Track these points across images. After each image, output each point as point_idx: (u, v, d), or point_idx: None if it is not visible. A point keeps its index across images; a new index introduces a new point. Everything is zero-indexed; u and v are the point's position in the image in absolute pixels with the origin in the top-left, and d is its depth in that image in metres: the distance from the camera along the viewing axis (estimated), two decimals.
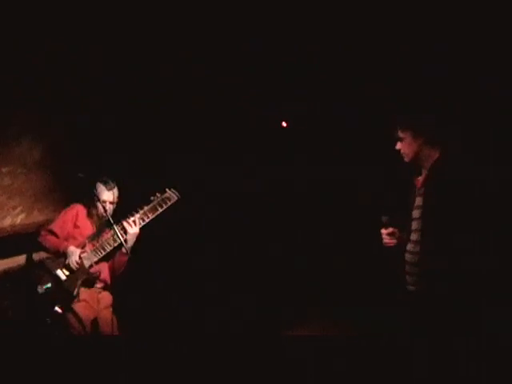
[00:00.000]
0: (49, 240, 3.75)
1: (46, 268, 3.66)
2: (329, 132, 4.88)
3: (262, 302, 4.69)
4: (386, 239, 3.04)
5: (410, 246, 2.91)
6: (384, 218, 3.03)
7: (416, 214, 2.90)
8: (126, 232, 3.66)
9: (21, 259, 4.21)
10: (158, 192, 3.77)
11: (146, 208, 3.72)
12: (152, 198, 3.75)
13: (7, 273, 4.14)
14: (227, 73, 4.47)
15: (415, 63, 3.96)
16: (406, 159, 2.92)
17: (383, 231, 3.05)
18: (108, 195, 3.76)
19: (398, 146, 2.92)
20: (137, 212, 3.71)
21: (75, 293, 3.61)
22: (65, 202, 4.37)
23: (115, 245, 3.68)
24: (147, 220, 3.70)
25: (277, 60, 4.40)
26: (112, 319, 3.65)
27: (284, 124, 5.15)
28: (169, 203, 3.74)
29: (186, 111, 4.70)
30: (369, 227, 4.41)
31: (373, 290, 4.53)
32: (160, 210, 3.72)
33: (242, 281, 4.86)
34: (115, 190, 3.81)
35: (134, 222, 3.67)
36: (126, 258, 3.74)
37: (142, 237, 3.76)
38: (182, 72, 4.39)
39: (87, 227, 3.83)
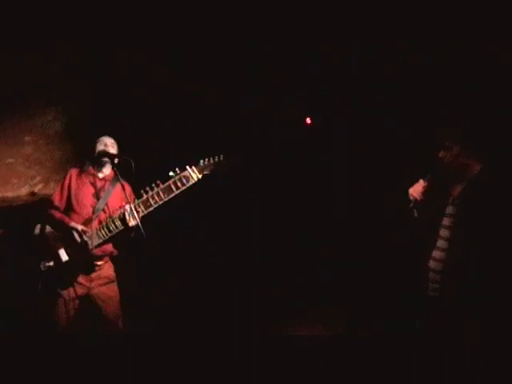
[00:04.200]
0: (51, 214, 3.44)
1: (50, 244, 3.39)
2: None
3: (262, 301, 4.68)
4: (418, 193, 2.90)
5: (435, 253, 2.85)
6: (429, 175, 2.91)
7: (447, 221, 2.83)
8: (132, 217, 3.27)
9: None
10: (178, 168, 3.35)
11: (160, 187, 3.32)
12: (170, 173, 3.34)
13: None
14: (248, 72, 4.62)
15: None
16: (447, 169, 2.84)
17: (421, 182, 2.91)
18: (103, 144, 3.47)
19: (442, 154, 2.83)
20: (151, 190, 3.32)
21: (74, 278, 3.37)
22: None
23: (121, 227, 3.34)
24: (160, 202, 3.31)
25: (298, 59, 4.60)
26: (110, 296, 3.48)
27: (308, 121, 5.17)
28: (187, 184, 3.31)
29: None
30: (373, 227, 4.65)
31: (374, 290, 4.61)
32: (175, 192, 3.31)
33: (241, 280, 4.87)
34: (112, 141, 3.50)
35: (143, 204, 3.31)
36: (129, 235, 3.40)
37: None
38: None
39: (85, 192, 3.47)
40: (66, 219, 3.40)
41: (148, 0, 4.20)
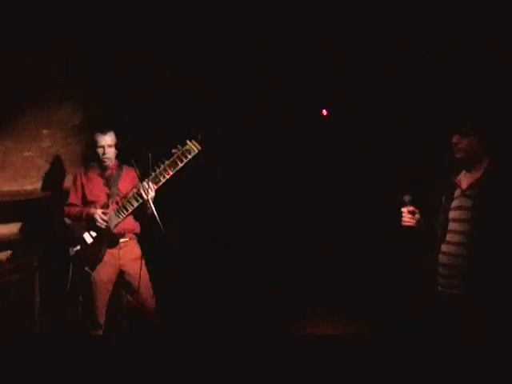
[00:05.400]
0: (72, 212, 3.78)
1: (73, 231, 3.73)
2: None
3: (263, 301, 4.70)
4: (407, 218, 2.97)
5: (446, 248, 2.83)
6: (406, 197, 3.01)
7: (457, 214, 2.81)
8: (146, 193, 3.59)
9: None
10: (180, 144, 3.66)
11: (166, 163, 3.62)
12: (173, 150, 3.63)
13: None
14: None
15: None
16: (459, 155, 2.82)
17: (404, 209, 2.98)
18: (103, 138, 3.74)
19: (457, 139, 2.81)
20: (158, 167, 3.63)
21: (101, 255, 3.66)
22: None
23: (137, 204, 3.67)
24: (168, 176, 3.62)
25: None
26: (139, 272, 3.66)
27: (324, 112, 5.13)
28: (189, 156, 3.60)
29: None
30: (373, 227, 4.66)
31: (374, 290, 4.64)
32: (180, 165, 3.61)
33: (241, 280, 4.88)
34: (111, 134, 3.77)
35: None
36: (149, 213, 3.67)
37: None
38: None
39: (97, 184, 3.81)
40: (85, 209, 3.75)
41: (148, 0, 4.20)
